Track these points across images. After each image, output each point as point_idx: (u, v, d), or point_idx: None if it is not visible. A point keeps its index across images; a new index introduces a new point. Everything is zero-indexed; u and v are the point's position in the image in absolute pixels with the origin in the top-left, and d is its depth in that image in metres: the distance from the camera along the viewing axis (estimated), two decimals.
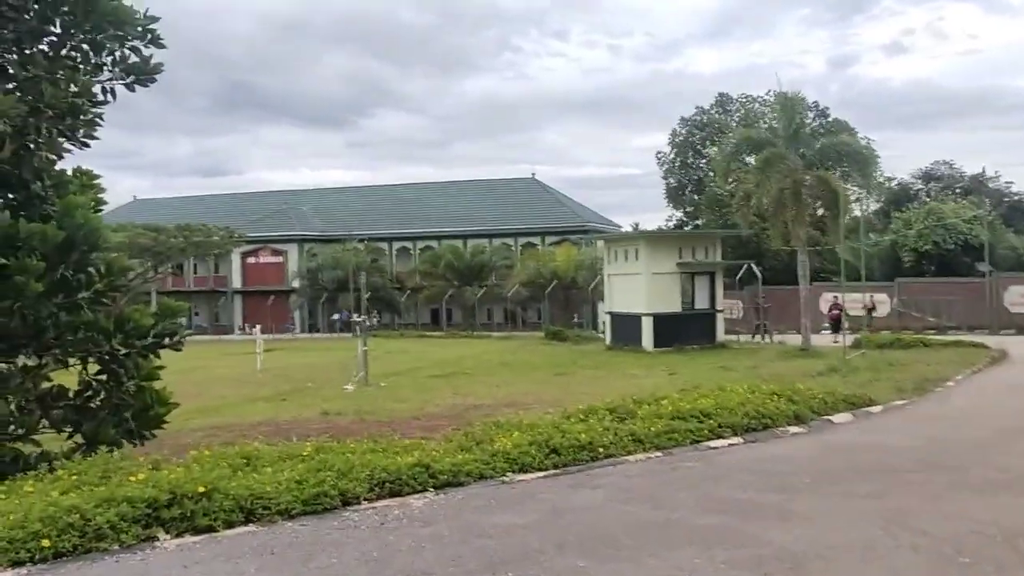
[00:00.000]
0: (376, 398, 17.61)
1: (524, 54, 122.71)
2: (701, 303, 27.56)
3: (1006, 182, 54.48)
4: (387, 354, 29.96)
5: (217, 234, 55.07)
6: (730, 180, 29.86)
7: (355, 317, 20.80)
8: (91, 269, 8.25)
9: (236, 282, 64.29)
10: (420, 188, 68.95)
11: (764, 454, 8.14)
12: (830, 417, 10.21)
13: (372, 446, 7.67)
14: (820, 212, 23.10)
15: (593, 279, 44.43)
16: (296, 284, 59.36)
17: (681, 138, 56.51)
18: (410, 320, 56.36)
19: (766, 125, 41.89)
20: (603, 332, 39.33)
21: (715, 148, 54.77)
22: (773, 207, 22.12)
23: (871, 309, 32.43)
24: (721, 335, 27.88)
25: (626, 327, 27.74)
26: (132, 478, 6.07)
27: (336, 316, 53.69)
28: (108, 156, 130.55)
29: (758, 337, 31.12)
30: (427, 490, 6.77)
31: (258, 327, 25.55)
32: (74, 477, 6.25)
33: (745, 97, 55.97)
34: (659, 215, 70.92)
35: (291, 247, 62.55)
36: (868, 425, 10.22)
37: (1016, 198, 53.24)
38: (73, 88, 8.42)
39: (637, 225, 61.64)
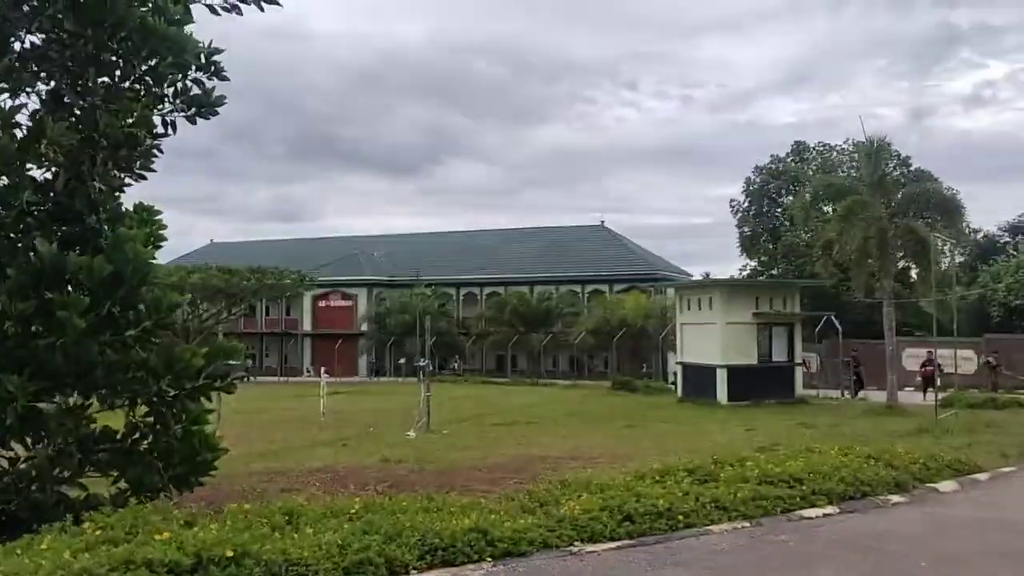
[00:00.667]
0: (437, 446, 16.96)
1: (596, 104, 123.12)
2: (779, 355, 26.29)
3: None
4: (451, 400, 29.34)
5: (289, 277, 55.56)
6: (808, 229, 28.70)
7: (420, 362, 20.27)
8: (141, 306, 7.81)
9: (306, 325, 64.84)
10: (488, 234, 68.90)
11: (867, 528, 7.16)
12: (934, 485, 9.12)
13: (425, 503, 6.96)
14: (904, 263, 21.80)
15: (663, 328, 43.32)
16: (364, 328, 59.50)
17: (756, 186, 55.27)
18: (475, 366, 55.79)
19: (844, 174, 40.57)
20: (673, 383, 38.19)
21: (791, 197, 53.51)
22: (856, 256, 20.94)
23: (996, 366, 30.20)
24: (800, 389, 26.52)
25: (699, 379, 26.61)
26: (158, 536, 5.48)
27: (402, 360, 53.44)
28: (191, 201, 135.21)
29: (843, 393, 29.55)
30: (484, 559, 6.00)
31: (323, 369, 25.18)
32: (99, 532, 5.70)
33: (823, 145, 54.66)
34: (730, 265, 69.58)
35: (360, 291, 62.93)
36: (978, 495, 9.10)
37: None
38: (129, 120, 8.08)
39: (708, 274, 60.43)
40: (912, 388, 34.81)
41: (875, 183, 21.08)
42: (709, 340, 26.12)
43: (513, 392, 36.01)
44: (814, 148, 54.79)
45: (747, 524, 7.05)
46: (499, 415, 23.89)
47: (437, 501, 7.26)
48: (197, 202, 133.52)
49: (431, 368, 50.58)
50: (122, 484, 8.47)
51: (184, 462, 8.65)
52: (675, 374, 39.16)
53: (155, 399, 8.17)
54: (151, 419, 8.42)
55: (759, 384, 25.53)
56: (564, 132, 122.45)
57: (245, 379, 52.26)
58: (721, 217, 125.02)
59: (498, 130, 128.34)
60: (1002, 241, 51.74)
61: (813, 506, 7.64)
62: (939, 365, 26.63)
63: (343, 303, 63.86)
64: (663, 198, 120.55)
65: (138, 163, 8.40)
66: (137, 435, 8.53)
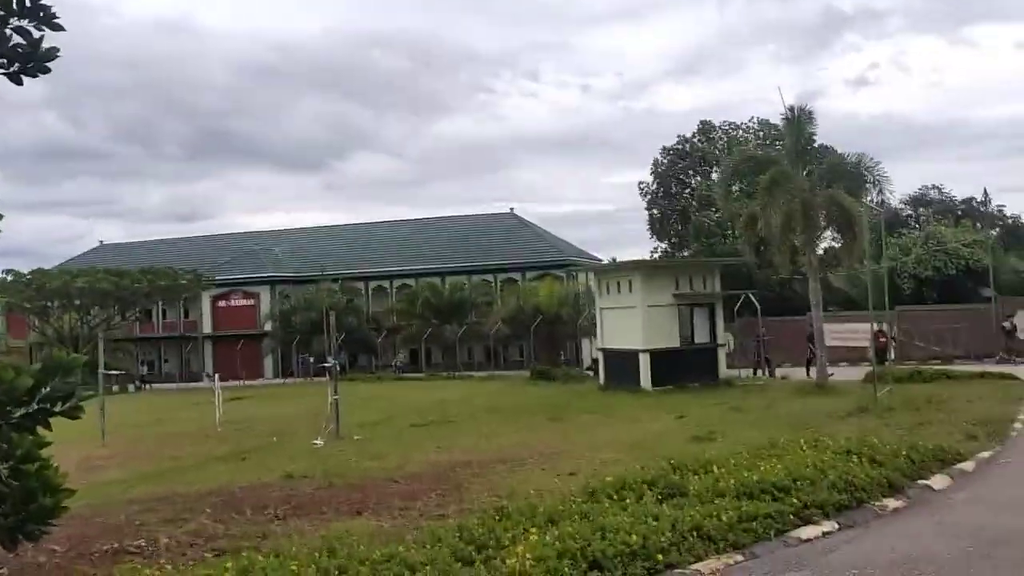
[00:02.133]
0: (348, 454, 15.20)
1: (497, 95, 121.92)
2: (701, 337, 25.35)
3: (998, 206, 53.43)
4: (362, 401, 27.51)
5: (184, 278, 52.50)
6: (724, 208, 27.90)
7: (328, 361, 18.43)
8: None
9: (207, 326, 61.47)
10: (396, 226, 66.80)
11: (885, 551, 5.75)
12: (927, 482, 7.93)
13: (322, 559, 5.22)
14: (830, 236, 21.08)
15: (578, 314, 42.37)
16: (268, 327, 56.66)
17: (663, 168, 54.80)
18: (388, 362, 53.77)
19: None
20: (590, 369, 37.19)
21: (699, 177, 53.29)
22: (780, 230, 20.02)
23: (1011, 331, 29.88)
24: (724, 371, 25.67)
25: (621, 365, 25.45)
26: None
27: (308, 357, 50.97)
28: (84, 204, 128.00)
29: (760, 372, 29.00)
30: None
31: (216, 376, 22.99)
32: None
33: (728, 125, 54.52)
34: (638, 250, 69.24)
35: (263, 289, 60.00)
36: (979, 492, 7.91)
37: (1011, 221, 52.09)
38: None
39: (614, 260, 59.88)
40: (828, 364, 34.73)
41: (798, 152, 20.19)
42: (630, 324, 24.97)
43: (429, 388, 34.34)
44: (720, 127, 54.65)
45: (740, 557, 5.59)
46: (415, 415, 22.19)
47: (342, 547, 5.54)
48: (90, 205, 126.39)
49: (340, 368, 48.74)
50: None
51: (15, 511, 6.70)
52: (594, 361, 38.22)
53: None
54: None
55: (682, 368, 24.55)
56: (467, 123, 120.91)
57: (141, 387, 49.09)
58: (625, 203, 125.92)
59: (401, 122, 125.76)
60: (905, 214, 52.69)
61: (809, 523, 6.28)
62: (890, 336, 26.27)
63: (245, 302, 60.80)
64: (567, 186, 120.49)
65: None
66: None
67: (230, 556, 5.73)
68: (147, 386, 53.37)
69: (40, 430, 6.88)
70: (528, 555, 4.90)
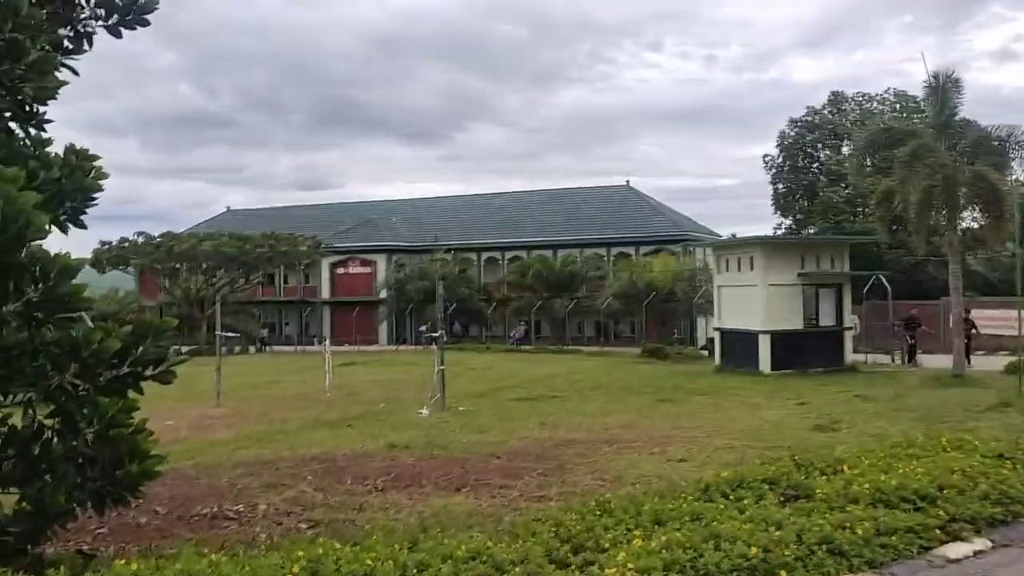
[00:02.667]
0: (452, 426, 14.98)
1: (618, 66, 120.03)
2: (826, 320, 23.96)
3: None
4: (470, 371, 27.51)
5: (304, 244, 53.83)
6: (855, 182, 26.11)
7: (433, 331, 18.28)
8: (28, 273, 5.71)
9: (325, 292, 63.08)
10: (510, 197, 66.63)
11: None
12: None
13: (404, 548, 4.80)
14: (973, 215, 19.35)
15: (693, 291, 41.09)
16: (383, 295, 57.65)
17: (790, 140, 52.28)
18: (498, 333, 53.80)
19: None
20: (704, 348, 36.03)
21: (828, 151, 50.61)
22: (919, 208, 18.45)
23: None
24: (849, 356, 24.20)
25: (739, 346, 24.35)
26: None
27: (423, 328, 51.51)
28: (216, 171, 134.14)
29: (894, 359, 27.14)
30: None
31: (327, 341, 23.24)
32: None
33: (861, 95, 51.48)
34: (760, 227, 66.64)
35: (379, 258, 60.93)
36: None
37: None
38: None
39: (734, 235, 57.70)
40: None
41: (942, 124, 18.49)
42: (750, 303, 23.81)
43: (537, 361, 33.99)
44: (852, 99, 51.66)
45: None
46: (521, 388, 21.91)
47: (429, 538, 5.13)
48: (221, 172, 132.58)
49: (447, 337, 49.04)
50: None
51: (106, 474, 6.61)
52: (709, 341, 37.02)
53: (57, 393, 6.10)
54: (56, 420, 6.38)
55: (805, 351, 23.27)
56: (586, 95, 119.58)
57: (261, 348, 50.63)
58: (748, 178, 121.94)
59: (519, 93, 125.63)
60: None
61: (957, 539, 5.46)
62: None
63: (362, 270, 61.96)
64: (688, 160, 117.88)
65: (27, 85, 6.24)
66: (44, 439, 6.49)
67: (305, 542, 5.39)
68: (267, 348, 55.19)
69: (155, 388, 6.75)
70: (630, 564, 4.33)
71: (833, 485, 6.06)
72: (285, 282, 65.78)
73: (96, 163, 7.52)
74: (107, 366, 6.27)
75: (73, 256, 6.01)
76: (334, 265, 62.31)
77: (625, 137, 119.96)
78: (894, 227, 23.45)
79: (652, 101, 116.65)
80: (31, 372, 6.01)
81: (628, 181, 62.45)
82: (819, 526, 5.13)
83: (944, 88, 18.41)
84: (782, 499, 5.86)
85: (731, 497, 5.97)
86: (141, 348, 6.48)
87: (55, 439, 6.42)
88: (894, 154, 18.91)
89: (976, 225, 20.03)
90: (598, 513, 5.57)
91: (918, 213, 18.52)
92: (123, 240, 52.40)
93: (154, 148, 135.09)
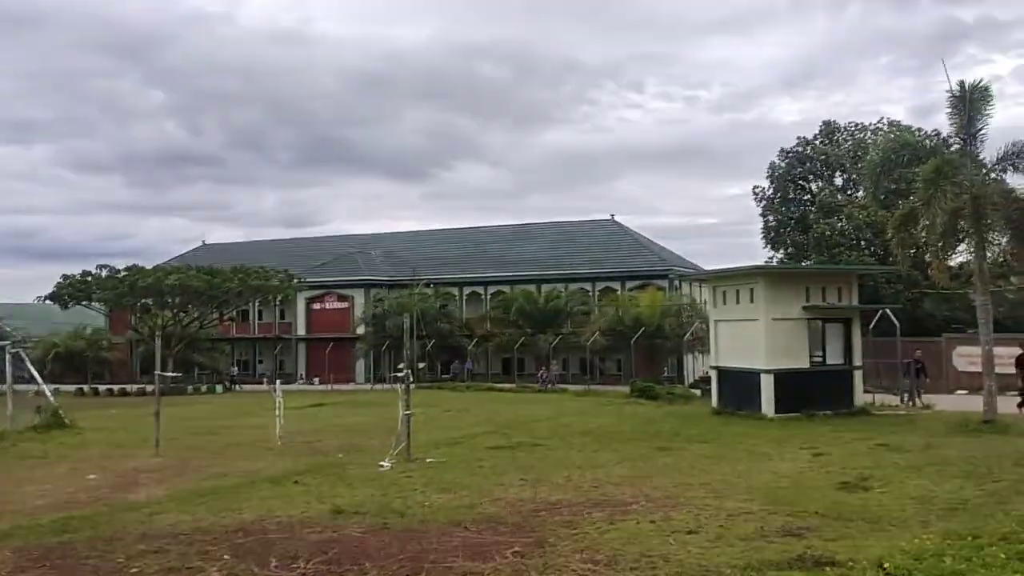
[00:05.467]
0: (415, 483, 12.61)
1: (600, 106, 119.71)
2: (834, 357, 21.81)
3: None
4: (445, 413, 25.31)
5: (276, 277, 51.51)
6: (858, 207, 24.14)
7: (404, 370, 16.01)
8: None
9: (301, 329, 60.72)
10: (492, 232, 64.98)
11: None
12: None
13: None
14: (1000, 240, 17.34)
15: (680, 327, 39.30)
16: (361, 331, 55.33)
17: (781, 171, 50.67)
18: (480, 370, 51.49)
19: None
20: (694, 386, 33.94)
21: (820, 181, 48.98)
22: (943, 232, 16.41)
23: None
24: (860, 398, 22.02)
25: (738, 386, 22.15)
26: None
27: (401, 367, 49.05)
28: (202, 208, 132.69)
29: (903, 400, 25.07)
30: None
31: (277, 382, 20.95)
32: None
33: (854, 125, 49.95)
34: (746, 262, 65.06)
35: (357, 293, 58.86)
36: None
37: None
38: None
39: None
40: (965, 391, 30.32)
41: (970, 137, 16.51)
42: (750, 339, 21.65)
43: (519, 401, 31.75)
44: (845, 128, 50.14)
45: None
46: (500, 433, 19.61)
47: None
48: (206, 209, 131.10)
49: (427, 374, 46.87)
50: None
51: None
52: (700, 379, 34.92)
53: None
54: None
55: (812, 392, 21.11)
56: (569, 134, 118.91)
57: (230, 387, 48.14)
58: (731, 216, 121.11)
59: (504, 132, 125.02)
60: None
61: None
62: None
63: (339, 305, 59.83)
64: (670, 199, 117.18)
65: None
66: None
67: None
68: (236, 386, 52.65)
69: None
70: None
71: None
72: (260, 318, 63.55)
73: None
74: None
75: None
76: (310, 300, 60.21)
77: (608, 176, 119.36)
78: (889, 258, 21.38)
79: (634, 141, 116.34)
80: None
81: (613, 215, 60.90)
82: None
83: (971, 98, 16.44)
84: None
85: None
86: None
87: None
88: (914, 173, 16.92)
89: (999, 253, 17.95)
90: None
91: (943, 237, 16.47)
92: (86, 274, 49.89)
93: (140, 185, 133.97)
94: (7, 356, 20.78)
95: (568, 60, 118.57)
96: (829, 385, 21.31)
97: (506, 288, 54.38)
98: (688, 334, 38.02)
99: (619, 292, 50.76)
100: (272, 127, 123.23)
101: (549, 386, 39.18)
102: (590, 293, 52.57)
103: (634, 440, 17.64)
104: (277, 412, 18.28)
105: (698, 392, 31.76)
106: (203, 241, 75.41)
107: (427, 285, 53.78)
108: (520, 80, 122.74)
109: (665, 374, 41.77)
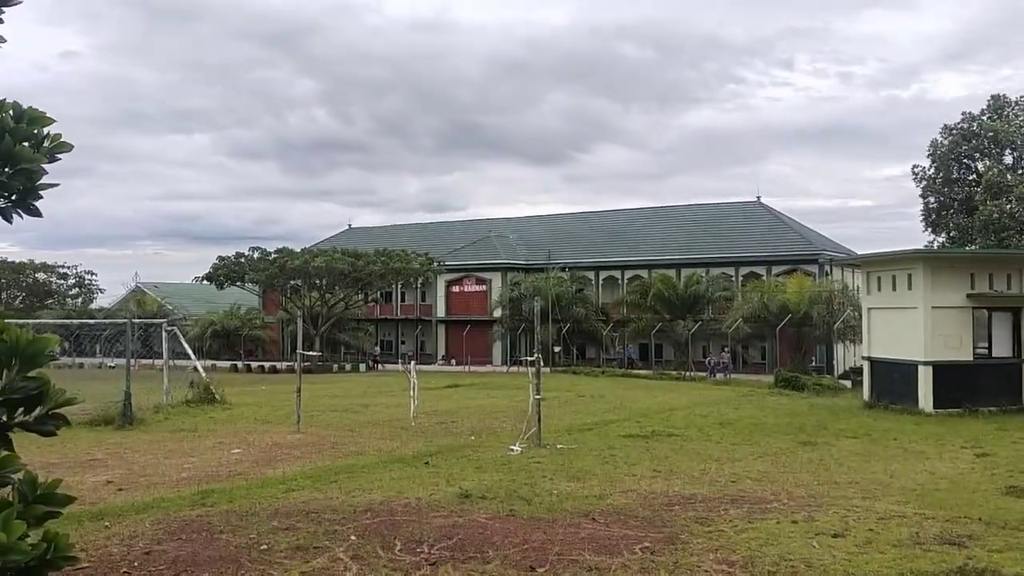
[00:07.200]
0: (545, 469, 12.42)
1: (748, 84, 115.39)
2: (1001, 349, 20.04)
3: None
4: (579, 399, 25.03)
5: (417, 260, 52.69)
6: None
7: (534, 354, 15.85)
8: None
9: (440, 311, 61.93)
10: (631, 215, 63.99)
11: None
12: None
13: None
14: None
15: (831, 315, 37.40)
16: (497, 314, 55.88)
17: (944, 150, 47.16)
18: (615, 356, 50.93)
19: None
20: (847, 379, 32.25)
21: (987, 160, 45.36)
22: None
23: None
24: None
25: (893, 378, 20.74)
26: None
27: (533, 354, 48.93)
28: (349, 192, 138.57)
29: None
30: None
31: (413, 363, 21.23)
32: None
33: None
34: (901, 248, 61.14)
35: (495, 276, 59.33)
36: None
37: None
38: None
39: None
40: None
41: None
42: (908, 329, 20.18)
43: (655, 388, 31.06)
44: (1016, 103, 46.09)
45: None
46: (634, 421, 19.14)
47: None
48: (353, 194, 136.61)
49: (562, 358, 46.76)
50: None
51: None
52: (851, 370, 33.19)
53: None
54: None
55: (975, 386, 19.51)
56: (714, 114, 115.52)
57: (372, 366, 49.76)
58: (887, 199, 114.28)
59: (645, 113, 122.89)
60: None
61: None
62: None
63: (477, 288, 60.55)
64: (820, 180, 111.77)
65: None
66: None
67: None
68: (379, 366, 54.36)
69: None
70: None
71: None
72: (402, 300, 65.24)
73: (49, 128, 5.35)
74: None
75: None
76: (449, 283, 61.22)
77: (754, 157, 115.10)
78: None
79: (783, 119, 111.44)
80: None
81: (759, 196, 58.64)
82: None
83: None
84: None
85: None
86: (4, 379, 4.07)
87: None
88: None
89: None
90: None
91: None
92: (239, 256, 52.64)
93: (291, 171, 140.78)
94: (163, 333, 22.02)
95: (713, 38, 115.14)
96: (995, 379, 19.64)
97: (644, 273, 53.49)
98: (838, 322, 36.19)
99: (764, 277, 48.90)
100: (415, 114, 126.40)
101: (720, 377, 36.70)
102: (733, 278, 50.98)
103: (777, 433, 16.89)
104: (411, 393, 18.50)
105: (848, 384, 30.43)
106: (349, 225, 78.21)
107: (563, 269, 53.54)
108: (663, 60, 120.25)
109: (812, 364, 39.89)
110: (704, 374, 38.13)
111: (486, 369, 49.60)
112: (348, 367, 52.69)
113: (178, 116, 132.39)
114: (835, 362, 41.85)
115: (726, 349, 41.18)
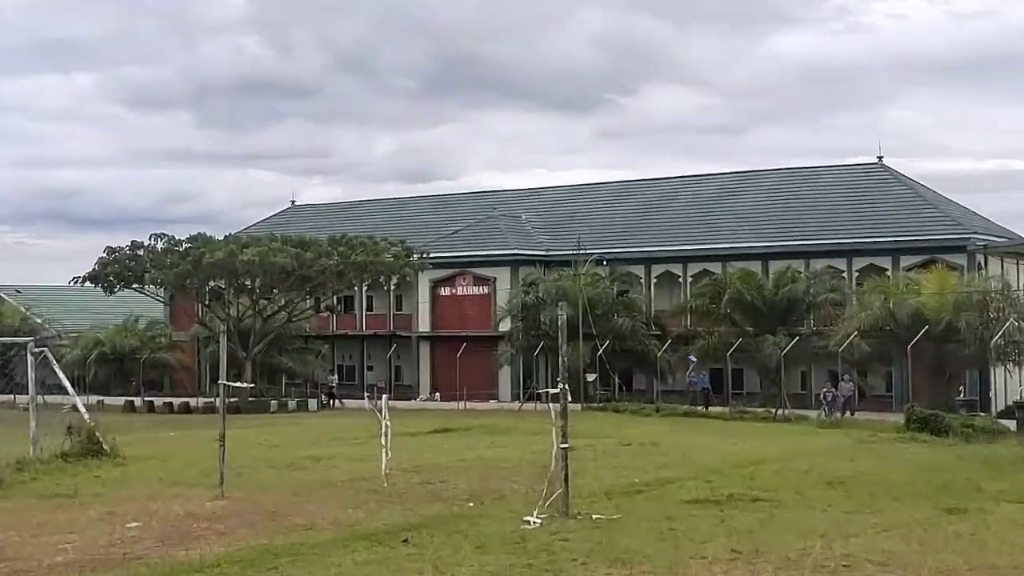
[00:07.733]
0: (575, 550, 12.51)
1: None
2: None
3: None
4: (623, 448, 25.43)
5: (390, 251, 53.03)
6: None
7: (556, 387, 15.98)
8: None
9: (423, 323, 62.35)
10: (695, 184, 64.96)
11: None
12: None
13: None
14: None
15: (984, 327, 37.67)
16: (505, 326, 56.26)
17: None
18: (677, 387, 51.21)
19: None
20: (1014, 418, 32.54)
21: None
22: None
23: None
24: None
25: None
26: None
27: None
28: (292, 156, 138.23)
29: None
30: None
31: (384, 397, 21.52)
32: None
33: None
34: None
35: (501, 273, 59.85)
36: None
37: None
38: None
39: None
40: None
41: None
42: None
43: (732, 433, 31.50)
44: None
45: None
46: (703, 480, 19.37)
47: None
48: (297, 158, 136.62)
49: (598, 390, 46.90)
50: None
51: None
52: (1015, 406, 33.38)
53: None
54: None
55: None
56: (814, 38, 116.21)
57: (327, 403, 50.23)
58: None
59: (713, 39, 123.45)
60: None
61: None
62: None
63: (476, 290, 61.19)
64: (967, 132, 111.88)
65: None
66: None
67: None
68: (336, 402, 54.89)
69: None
70: None
71: None
72: (369, 309, 65.77)
73: None
74: None
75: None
76: (436, 284, 61.69)
77: (872, 100, 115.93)
78: None
79: (912, 46, 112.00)
80: None
81: (881, 157, 58.95)
82: None
83: None
84: None
85: None
86: None
87: None
88: None
89: None
90: None
91: None
92: (136, 247, 52.99)
93: (211, 125, 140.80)
94: (28, 358, 22.07)
95: None
96: None
97: (715, 267, 54.13)
98: (997, 336, 36.39)
99: (889, 272, 49.36)
100: (385, 42, 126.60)
101: (838, 415, 37.21)
102: (844, 274, 51.48)
103: (910, 496, 17.28)
104: (383, 441, 18.76)
105: (1011, 425, 31.10)
106: (292, 202, 78.93)
107: (599, 262, 53.94)
108: None
109: (961, 397, 40.15)
110: (804, 411, 38.40)
111: (489, 406, 50.14)
112: (293, 404, 53.11)
113: (50, 48, 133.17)
114: (992, 394, 42.14)
115: (846, 377, 41.30)
